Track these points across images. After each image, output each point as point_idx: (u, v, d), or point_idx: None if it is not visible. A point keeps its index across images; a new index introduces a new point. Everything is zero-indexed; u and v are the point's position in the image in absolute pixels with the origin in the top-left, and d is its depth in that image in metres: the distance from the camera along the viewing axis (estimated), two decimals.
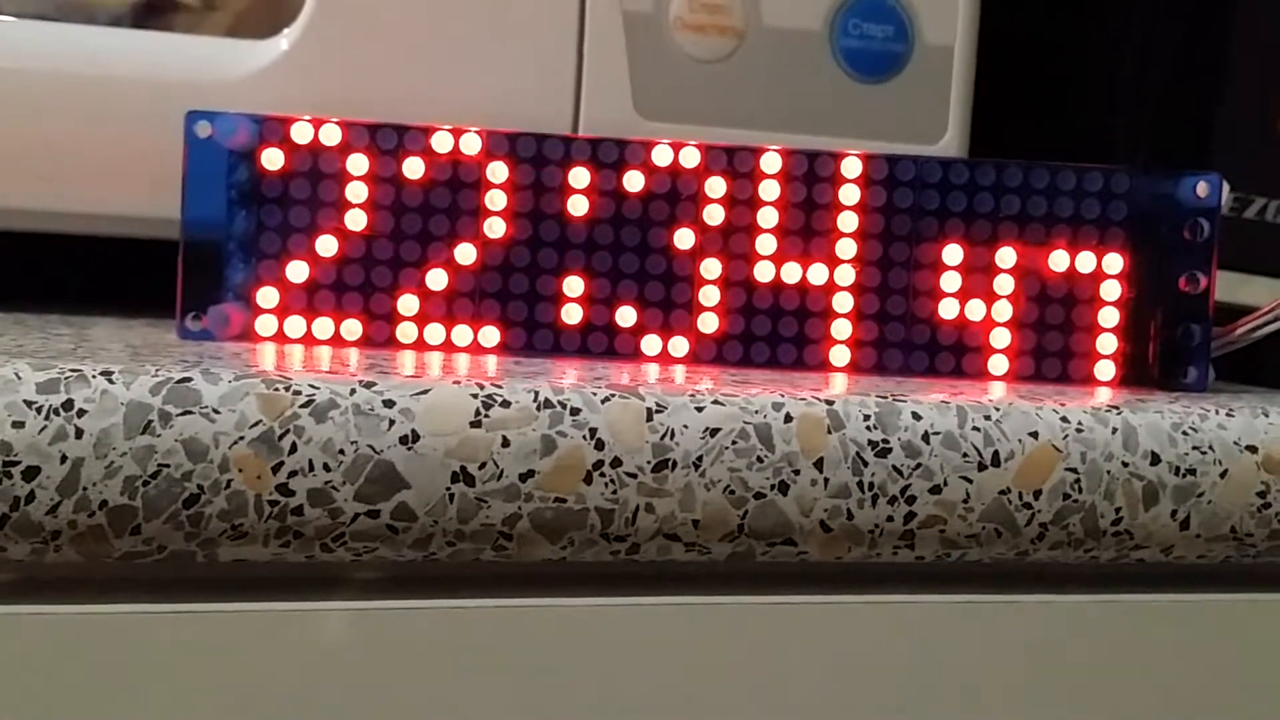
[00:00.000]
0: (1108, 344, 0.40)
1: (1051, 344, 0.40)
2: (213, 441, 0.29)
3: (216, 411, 0.29)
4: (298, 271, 0.38)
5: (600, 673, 0.33)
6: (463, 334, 0.39)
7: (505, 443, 0.31)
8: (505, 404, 0.31)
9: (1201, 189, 0.40)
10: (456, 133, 0.39)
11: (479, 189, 0.39)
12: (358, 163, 0.38)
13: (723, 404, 0.32)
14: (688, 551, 0.32)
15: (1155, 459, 0.34)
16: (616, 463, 0.31)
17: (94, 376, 0.29)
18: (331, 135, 0.38)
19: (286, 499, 0.29)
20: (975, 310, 0.40)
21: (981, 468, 0.33)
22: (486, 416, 0.31)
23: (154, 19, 0.43)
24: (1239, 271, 0.48)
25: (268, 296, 0.38)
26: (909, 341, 0.40)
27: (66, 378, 0.29)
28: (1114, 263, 0.40)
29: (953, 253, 0.40)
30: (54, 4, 0.43)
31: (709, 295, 0.40)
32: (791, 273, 0.40)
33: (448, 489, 0.30)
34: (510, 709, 0.32)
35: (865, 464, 0.33)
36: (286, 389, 0.30)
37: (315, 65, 0.42)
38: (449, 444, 0.30)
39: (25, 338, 0.35)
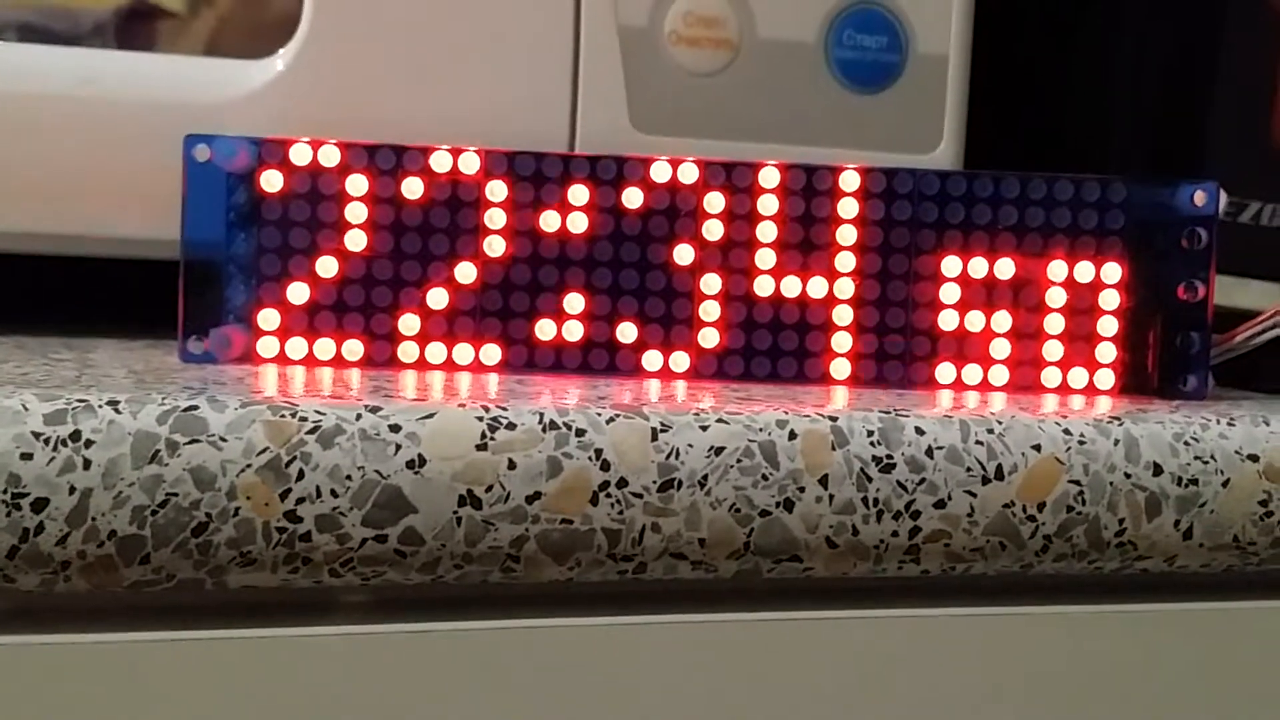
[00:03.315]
0: (1107, 353, 0.40)
1: (1051, 354, 0.40)
2: (220, 469, 0.29)
3: (224, 439, 0.29)
4: (298, 293, 0.38)
5: (608, 692, 0.33)
6: (464, 352, 0.39)
7: (511, 465, 0.31)
8: (511, 426, 0.31)
9: (1199, 198, 0.40)
10: (455, 152, 0.39)
11: (478, 208, 0.39)
12: (357, 183, 0.38)
13: (727, 422, 0.32)
14: (694, 570, 0.32)
15: (1157, 469, 0.35)
16: (622, 483, 0.31)
17: (100, 406, 0.29)
18: (330, 156, 0.38)
19: (294, 525, 0.30)
20: (975, 321, 0.40)
21: (985, 481, 0.33)
22: (492, 439, 0.31)
23: (138, 26, 0.43)
24: (1235, 276, 0.48)
25: (269, 318, 0.38)
26: (909, 353, 0.40)
27: (74, 408, 0.29)
28: (1112, 272, 0.40)
29: (951, 264, 0.40)
30: (36, 12, 0.43)
31: (709, 310, 0.40)
32: (791, 286, 0.40)
33: (455, 512, 0.30)
34: None
35: (869, 479, 0.33)
36: (293, 415, 0.30)
37: (312, 85, 0.42)
38: (455, 467, 0.30)
39: (28, 364, 0.35)
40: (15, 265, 0.43)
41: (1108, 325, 0.40)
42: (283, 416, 0.30)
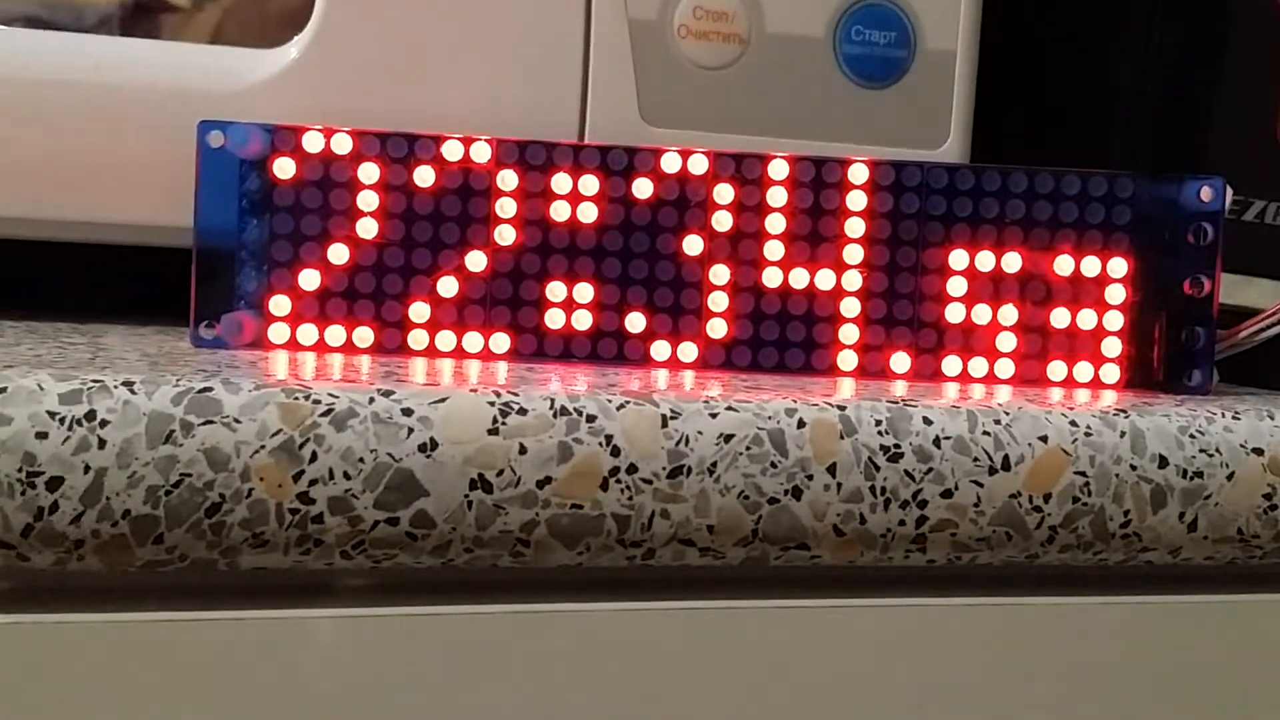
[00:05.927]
0: (1113, 347, 0.41)
1: (1057, 347, 0.41)
2: (234, 451, 0.29)
3: (238, 421, 0.29)
4: (310, 279, 0.39)
5: (616, 677, 0.33)
6: (474, 340, 0.39)
7: (522, 450, 0.31)
8: (522, 411, 0.31)
9: (1205, 193, 0.40)
10: (467, 141, 0.39)
11: (489, 196, 0.39)
12: (369, 171, 0.39)
13: (736, 410, 0.33)
14: (702, 556, 0.33)
15: (1163, 462, 0.35)
16: (632, 469, 0.32)
17: (116, 387, 0.29)
18: (343, 144, 0.39)
19: (307, 507, 0.30)
20: (981, 314, 0.40)
21: (992, 472, 0.34)
22: (504, 424, 0.31)
23: (143, 18, 0.44)
24: (1239, 274, 0.48)
25: (280, 304, 0.39)
26: (916, 345, 0.40)
27: (89, 388, 0.29)
28: (1119, 267, 0.40)
29: (959, 257, 0.40)
30: (41, 5, 0.43)
31: (717, 301, 0.40)
32: (799, 278, 0.40)
33: (466, 496, 0.31)
34: (528, 713, 0.32)
35: (877, 469, 0.33)
36: (306, 398, 0.30)
37: (324, 74, 0.42)
38: (467, 451, 0.31)
39: (41, 347, 0.35)
40: (20, 251, 0.44)
41: (1114, 320, 0.41)
42: (296, 399, 0.30)
